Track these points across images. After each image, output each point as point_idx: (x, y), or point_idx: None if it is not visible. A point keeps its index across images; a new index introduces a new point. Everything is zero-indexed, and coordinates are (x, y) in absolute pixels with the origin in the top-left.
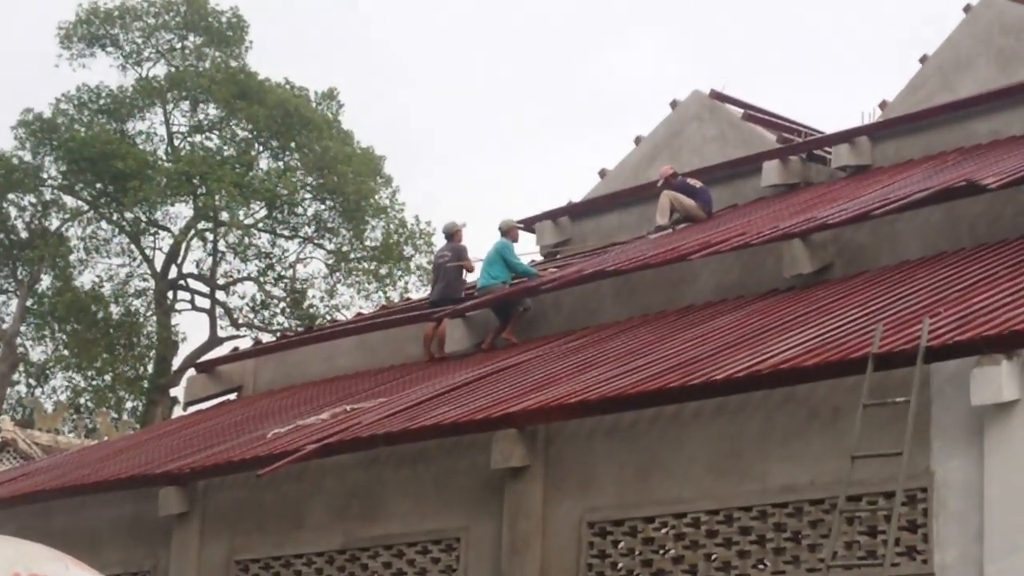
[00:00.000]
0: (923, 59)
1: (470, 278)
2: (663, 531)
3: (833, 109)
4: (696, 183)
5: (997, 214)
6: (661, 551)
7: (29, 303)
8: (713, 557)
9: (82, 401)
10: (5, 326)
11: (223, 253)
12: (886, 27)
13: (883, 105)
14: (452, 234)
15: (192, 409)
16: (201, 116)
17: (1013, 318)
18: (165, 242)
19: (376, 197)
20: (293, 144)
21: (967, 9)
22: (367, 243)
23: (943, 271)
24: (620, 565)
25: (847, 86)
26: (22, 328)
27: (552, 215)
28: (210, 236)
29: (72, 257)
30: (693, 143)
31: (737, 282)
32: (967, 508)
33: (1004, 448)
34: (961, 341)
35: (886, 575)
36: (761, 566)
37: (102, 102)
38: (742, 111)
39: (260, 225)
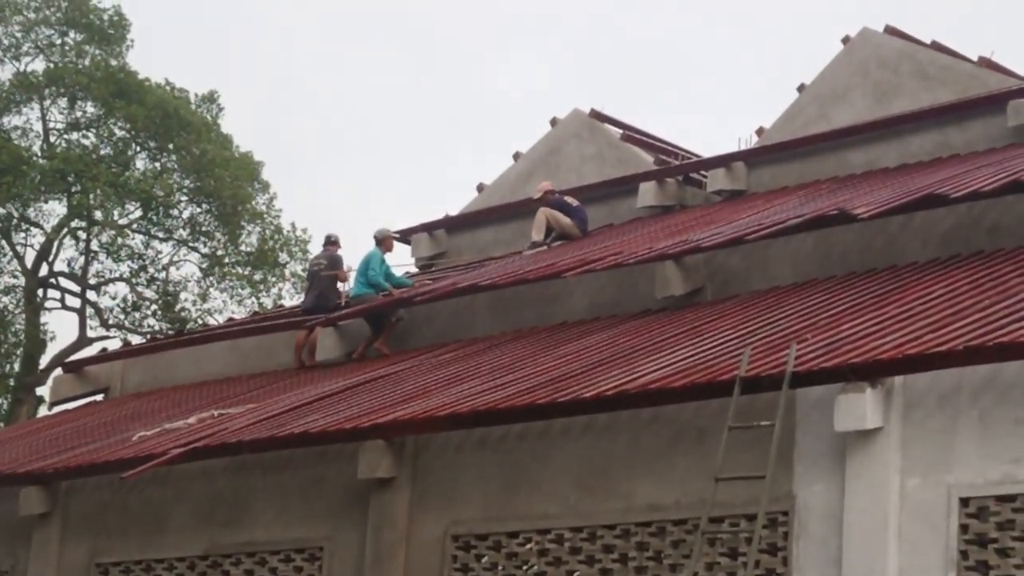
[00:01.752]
0: (800, 88)
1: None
2: (527, 546)
3: (712, 134)
4: (573, 201)
5: (868, 243)
6: (524, 566)
7: None
8: (576, 574)
9: None
10: None
11: (95, 253)
12: (767, 56)
13: (760, 132)
14: (334, 242)
15: (58, 409)
16: (79, 113)
17: (879, 347)
18: (37, 239)
19: (253, 202)
20: (171, 145)
21: (845, 40)
22: (242, 248)
23: (813, 298)
24: None
25: (726, 112)
26: None
27: (428, 227)
28: (83, 235)
29: None
30: (571, 161)
31: (610, 301)
32: (827, 533)
33: (865, 475)
34: (827, 367)
35: None
36: None
37: None
38: (621, 132)
39: (134, 226)
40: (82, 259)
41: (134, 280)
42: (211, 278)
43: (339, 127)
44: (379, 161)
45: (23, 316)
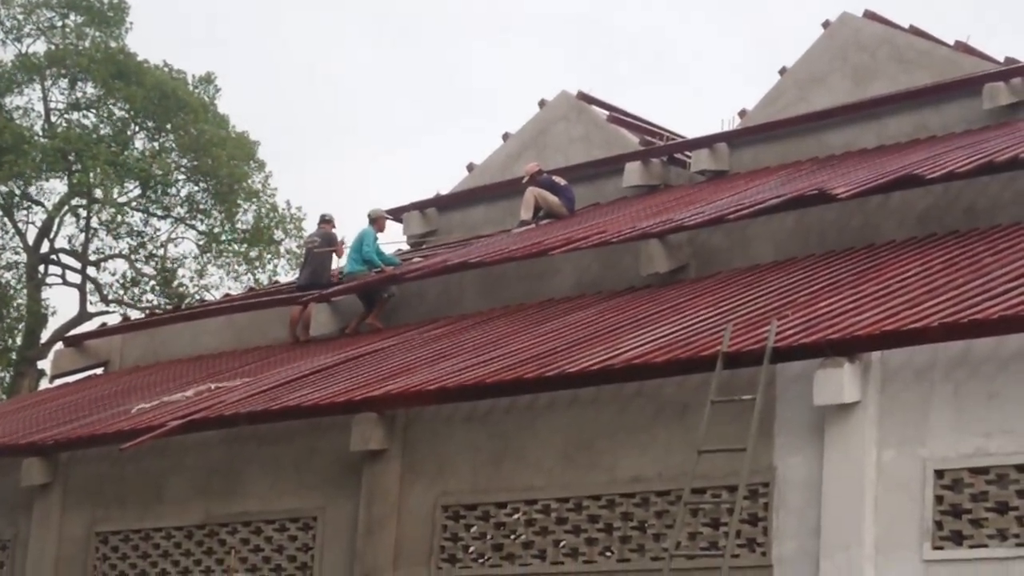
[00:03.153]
0: (782, 71)
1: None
2: (514, 516)
3: (695, 116)
4: (560, 181)
5: (846, 223)
6: (512, 536)
7: None
8: (562, 543)
9: None
10: None
11: (96, 230)
12: (750, 40)
13: (742, 114)
14: (328, 220)
15: (59, 382)
16: (79, 94)
17: (856, 323)
18: (38, 216)
19: (249, 181)
20: (169, 126)
21: (825, 25)
22: (238, 226)
23: (792, 275)
24: (472, 548)
25: (710, 95)
26: None
27: (420, 206)
28: (83, 213)
29: None
30: (559, 142)
31: (596, 278)
32: (806, 504)
33: (843, 447)
34: (806, 343)
35: (726, 566)
36: (608, 553)
37: None
38: (607, 113)
39: (133, 204)
40: (82, 236)
41: (133, 257)
42: (208, 255)
43: (334, 109)
44: (372, 141)
45: (25, 291)
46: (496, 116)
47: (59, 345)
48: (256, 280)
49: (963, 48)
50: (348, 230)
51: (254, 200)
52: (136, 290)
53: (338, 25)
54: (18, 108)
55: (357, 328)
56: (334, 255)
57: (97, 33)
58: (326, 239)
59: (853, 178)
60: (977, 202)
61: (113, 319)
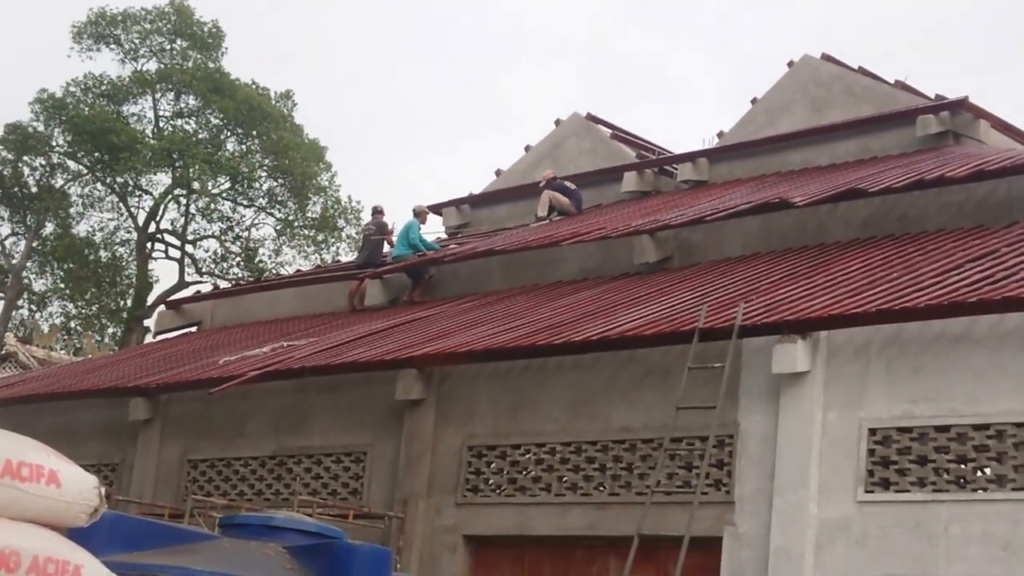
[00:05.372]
0: (753, 100)
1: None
2: (527, 456)
3: (682, 135)
4: (571, 185)
5: (802, 226)
6: (524, 472)
7: (35, 245)
8: (564, 479)
9: (72, 325)
10: (15, 262)
11: (193, 215)
12: (728, 75)
13: (720, 135)
14: (380, 211)
15: (161, 338)
16: (182, 105)
17: (809, 307)
18: (147, 203)
19: (318, 179)
20: (255, 132)
21: (790, 64)
22: (308, 215)
23: (757, 268)
24: (491, 481)
25: (696, 117)
26: (28, 264)
27: (456, 203)
28: (183, 201)
29: (72, 210)
30: (570, 154)
31: (597, 266)
32: (763, 453)
33: (795, 408)
34: (767, 322)
35: (697, 501)
36: (601, 488)
37: (103, 88)
38: (610, 131)
39: (224, 195)
40: (182, 220)
41: (223, 237)
42: (283, 238)
43: (391, 121)
44: (419, 148)
45: (135, 263)
46: (520, 130)
47: (161, 308)
48: (322, 259)
49: (901, 86)
50: (398, 219)
51: (322, 194)
52: (224, 264)
53: (399, 53)
54: (133, 115)
55: (411, 298)
56: (384, 241)
57: (198, 55)
58: (379, 227)
59: (809, 190)
60: (909, 212)
61: (205, 288)
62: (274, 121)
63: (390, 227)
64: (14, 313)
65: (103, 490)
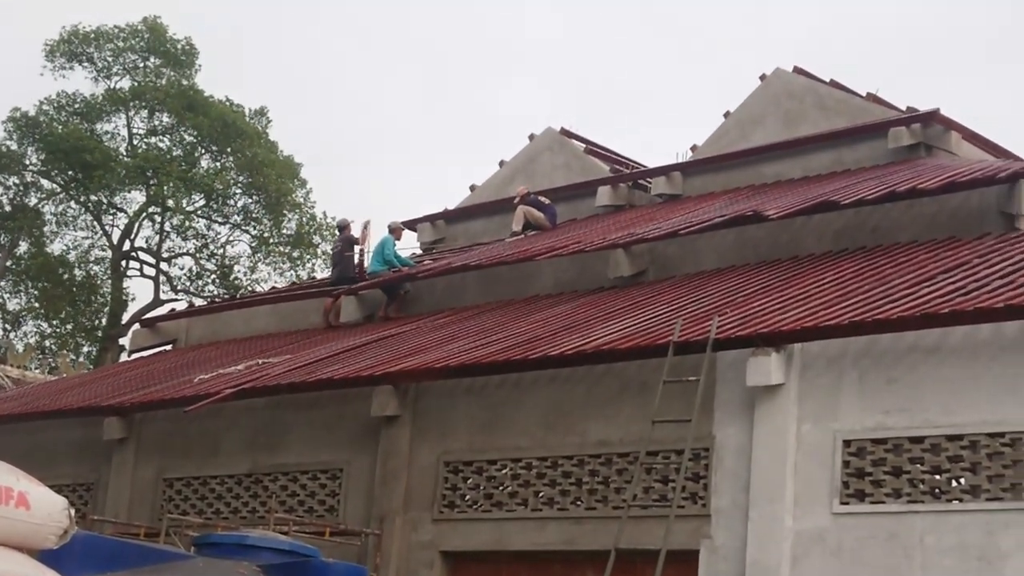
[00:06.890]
0: (726, 114)
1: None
2: (503, 471)
3: (656, 149)
4: (545, 200)
5: (776, 239)
6: (501, 487)
7: (8, 264)
8: (541, 494)
9: (47, 344)
10: None
11: (168, 232)
12: (701, 88)
13: (693, 148)
14: (344, 226)
15: (135, 356)
16: (156, 122)
17: (782, 320)
18: (121, 221)
19: (293, 195)
20: (229, 149)
21: (762, 77)
22: (284, 232)
23: (731, 281)
24: (467, 496)
25: (668, 132)
26: (2, 283)
27: (431, 218)
28: (158, 218)
29: (46, 229)
30: (544, 169)
31: (572, 280)
32: (739, 465)
33: (769, 420)
34: (741, 335)
35: (673, 515)
36: (578, 503)
37: (77, 106)
38: (584, 146)
39: (199, 212)
40: (157, 237)
41: (198, 255)
42: (259, 255)
43: (362, 136)
44: (393, 163)
45: (110, 281)
46: (494, 145)
47: (136, 326)
48: (297, 276)
49: (873, 99)
50: (375, 234)
51: (297, 211)
52: (200, 282)
53: (369, 70)
54: (107, 133)
55: (386, 313)
56: (356, 252)
57: (172, 73)
58: (347, 242)
59: (782, 203)
60: (881, 224)
61: (180, 305)
62: (248, 138)
63: (358, 236)
64: None
65: (73, 511)
